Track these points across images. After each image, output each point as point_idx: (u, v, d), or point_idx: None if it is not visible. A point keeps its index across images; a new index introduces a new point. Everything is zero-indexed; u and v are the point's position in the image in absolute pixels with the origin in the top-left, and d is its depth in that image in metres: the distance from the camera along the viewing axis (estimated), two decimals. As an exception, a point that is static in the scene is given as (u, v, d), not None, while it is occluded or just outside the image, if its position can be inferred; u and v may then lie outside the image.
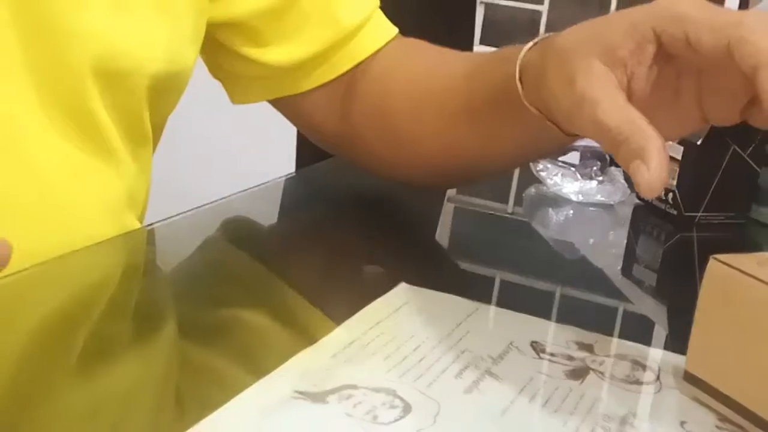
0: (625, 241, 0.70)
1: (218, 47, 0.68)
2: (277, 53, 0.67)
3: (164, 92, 0.61)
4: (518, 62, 0.55)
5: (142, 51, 0.57)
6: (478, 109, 0.62)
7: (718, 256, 0.41)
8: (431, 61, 0.68)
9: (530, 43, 0.55)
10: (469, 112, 0.62)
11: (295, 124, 0.75)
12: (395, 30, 0.71)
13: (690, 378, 0.42)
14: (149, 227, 0.61)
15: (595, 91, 0.45)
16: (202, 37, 0.64)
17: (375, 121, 0.68)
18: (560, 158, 0.79)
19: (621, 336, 0.50)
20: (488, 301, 0.51)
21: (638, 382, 0.44)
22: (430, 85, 0.66)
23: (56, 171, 0.55)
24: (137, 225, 0.63)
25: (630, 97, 0.46)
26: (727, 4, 1.62)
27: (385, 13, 0.71)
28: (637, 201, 0.77)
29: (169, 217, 0.61)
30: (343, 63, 0.69)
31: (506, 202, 0.79)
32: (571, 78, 0.47)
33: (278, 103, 0.72)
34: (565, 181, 0.77)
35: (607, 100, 0.45)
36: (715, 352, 0.41)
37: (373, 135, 0.68)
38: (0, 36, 0.51)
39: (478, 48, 2.06)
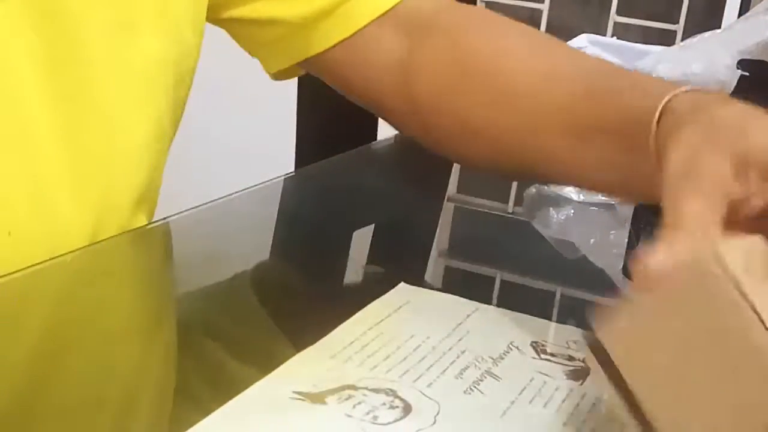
0: (626, 241, 0.70)
1: (234, 23, 0.65)
2: (289, 5, 0.63)
3: (175, 84, 0.61)
4: (660, 106, 0.48)
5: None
6: (596, 130, 0.55)
7: None
8: (542, 53, 0.62)
9: (675, 92, 0.49)
10: (585, 129, 0.55)
11: (349, 95, 0.67)
12: None
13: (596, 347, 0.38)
14: (147, 227, 0.61)
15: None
16: (203, 21, 0.62)
17: (447, 80, 0.61)
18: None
19: (622, 336, 0.49)
20: (488, 301, 0.51)
21: (639, 383, 0.44)
22: (531, 78, 0.59)
23: (69, 165, 0.55)
24: (144, 221, 0.62)
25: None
26: (728, 4, 1.62)
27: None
28: (638, 200, 0.77)
29: (167, 217, 0.61)
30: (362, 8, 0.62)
31: (507, 201, 0.79)
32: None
33: (319, 69, 0.66)
34: (565, 181, 0.77)
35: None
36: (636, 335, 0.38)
37: (440, 107, 0.61)
38: (18, 32, 0.51)
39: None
